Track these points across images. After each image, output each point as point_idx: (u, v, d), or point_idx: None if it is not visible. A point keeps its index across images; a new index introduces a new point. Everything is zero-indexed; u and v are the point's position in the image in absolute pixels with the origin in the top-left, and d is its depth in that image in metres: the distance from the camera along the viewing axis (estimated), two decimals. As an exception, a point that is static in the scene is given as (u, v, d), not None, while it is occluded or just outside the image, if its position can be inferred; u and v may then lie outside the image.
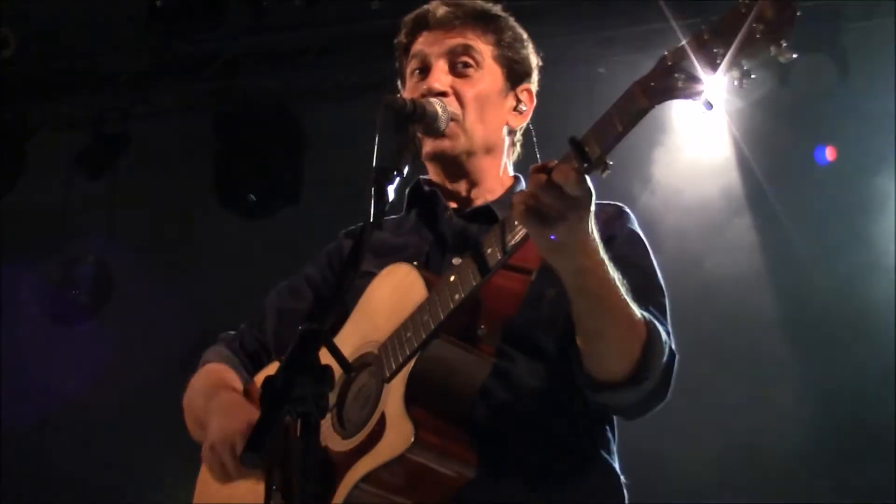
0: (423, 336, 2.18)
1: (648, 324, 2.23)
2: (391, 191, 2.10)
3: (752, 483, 5.60)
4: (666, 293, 2.42)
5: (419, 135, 2.42)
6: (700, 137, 5.80)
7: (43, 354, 6.71)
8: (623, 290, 2.17)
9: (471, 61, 2.53)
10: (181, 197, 6.86)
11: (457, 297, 2.15)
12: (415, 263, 2.40)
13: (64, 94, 6.83)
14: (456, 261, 2.40)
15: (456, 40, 2.54)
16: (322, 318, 1.84)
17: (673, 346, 2.31)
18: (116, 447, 6.42)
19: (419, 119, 2.33)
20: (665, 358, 2.27)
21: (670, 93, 1.97)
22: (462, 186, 2.57)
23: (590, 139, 2.00)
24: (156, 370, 5.93)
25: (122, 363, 6.51)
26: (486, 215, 2.51)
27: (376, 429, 2.18)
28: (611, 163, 1.98)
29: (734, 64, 1.88)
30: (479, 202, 2.56)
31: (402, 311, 2.26)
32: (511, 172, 2.65)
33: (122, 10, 6.25)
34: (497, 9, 2.62)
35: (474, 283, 2.14)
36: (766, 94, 5.52)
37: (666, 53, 1.97)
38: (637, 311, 2.20)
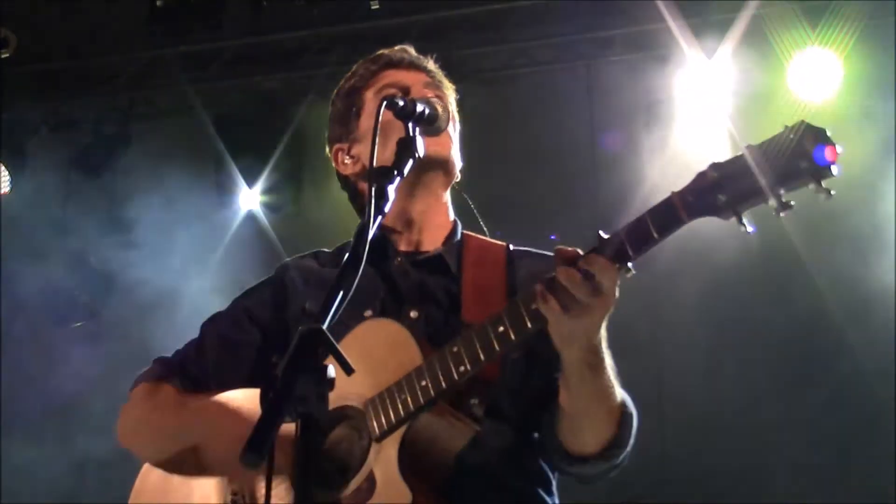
0: (422, 402, 2.17)
1: (625, 404, 2.26)
2: (391, 190, 2.09)
3: (750, 482, 5.60)
4: None
5: (419, 135, 2.41)
6: (698, 136, 5.80)
7: (43, 354, 6.71)
8: (612, 374, 2.20)
9: (443, 96, 2.56)
10: (181, 197, 6.86)
11: (462, 369, 2.15)
12: (397, 320, 2.38)
13: (64, 94, 6.83)
14: (413, 314, 2.40)
15: (430, 77, 2.58)
16: (322, 318, 1.83)
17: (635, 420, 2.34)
18: (116, 448, 6.41)
19: (419, 118, 2.32)
20: (633, 433, 2.32)
21: (709, 211, 1.97)
22: (418, 207, 2.53)
23: (622, 240, 2.00)
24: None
25: (122, 364, 6.50)
26: (438, 265, 2.51)
27: (364, 486, 2.17)
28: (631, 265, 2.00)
29: (774, 194, 1.90)
30: (427, 246, 2.55)
31: (391, 371, 2.23)
32: (451, 216, 2.65)
33: (122, 10, 6.25)
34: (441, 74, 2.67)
35: (483, 359, 2.14)
36: (765, 93, 5.53)
37: (707, 170, 1.97)
38: (618, 392, 2.23)
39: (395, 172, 2.13)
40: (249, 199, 6.71)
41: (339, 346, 2.24)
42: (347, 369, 1.86)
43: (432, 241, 2.56)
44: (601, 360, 2.16)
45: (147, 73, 6.71)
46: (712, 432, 5.56)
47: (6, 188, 6.76)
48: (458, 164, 2.57)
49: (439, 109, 2.38)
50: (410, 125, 2.24)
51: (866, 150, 5.56)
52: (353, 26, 6.28)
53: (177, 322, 6.24)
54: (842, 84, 5.63)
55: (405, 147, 2.20)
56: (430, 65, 2.66)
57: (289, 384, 1.69)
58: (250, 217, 6.70)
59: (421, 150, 2.22)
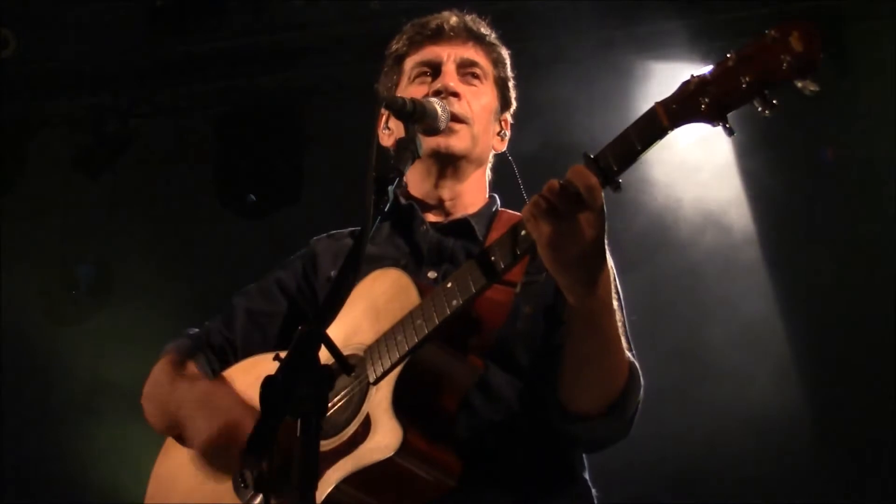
0: (416, 339, 2.15)
1: (631, 363, 2.24)
2: (391, 190, 2.11)
3: (751, 482, 5.60)
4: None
5: (419, 134, 2.41)
6: (699, 135, 5.79)
7: (43, 355, 6.71)
8: (620, 325, 2.18)
9: (479, 73, 2.60)
10: (181, 197, 6.86)
11: (454, 302, 2.13)
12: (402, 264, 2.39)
13: (64, 94, 6.83)
14: (431, 274, 2.42)
15: (468, 52, 2.60)
16: (321, 319, 1.83)
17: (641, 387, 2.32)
18: (116, 447, 6.42)
19: (419, 118, 2.33)
20: (640, 400, 2.29)
21: (692, 116, 1.96)
22: (446, 193, 2.58)
23: (607, 155, 2.00)
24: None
25: (121, 364, 6.50)
26: (464, 228, 2.52)
27: (360, 430, 2.16)
28: (621, 180, 1.99)
29: (758, 93, 1.88)
30: (457, 215, 2.57)
31: (391, 315, 2.23)
32: (487, 193, 2.69)
33: (122, 10, 6.25)
34: (494, 36, 2.70)
35: (473, 290, 2.12)
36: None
37: (690, 77, 1.97)
38: (626, 349, 2.22)
39: (395, 172, 2.15)
40: (249, 199, 6.69)
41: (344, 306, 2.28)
42: (347, 370, 1.87)
43: (467, 212, 2.59)
44: (608, 307, 2.12)
45: (147, 73, 6.71)
46: (712, 432, 5.55)
47: (6, 188, 6.75)
48: (480, 146, 2.58)
49: (438, 109, 2.39)
50: (410, 125, 2.27)
51: (867, 148, 5.57)
52: (353, 26, 6.27)
53: (171, 321, 6.24)
54: (844, 84, 5.62)
55: (405, 147, 2.22)
56: (477, 27, 2.66)
57: (289, 385, 1.69)
58: (250, 217, 6.69)
59: (420, 149, 2.23)
